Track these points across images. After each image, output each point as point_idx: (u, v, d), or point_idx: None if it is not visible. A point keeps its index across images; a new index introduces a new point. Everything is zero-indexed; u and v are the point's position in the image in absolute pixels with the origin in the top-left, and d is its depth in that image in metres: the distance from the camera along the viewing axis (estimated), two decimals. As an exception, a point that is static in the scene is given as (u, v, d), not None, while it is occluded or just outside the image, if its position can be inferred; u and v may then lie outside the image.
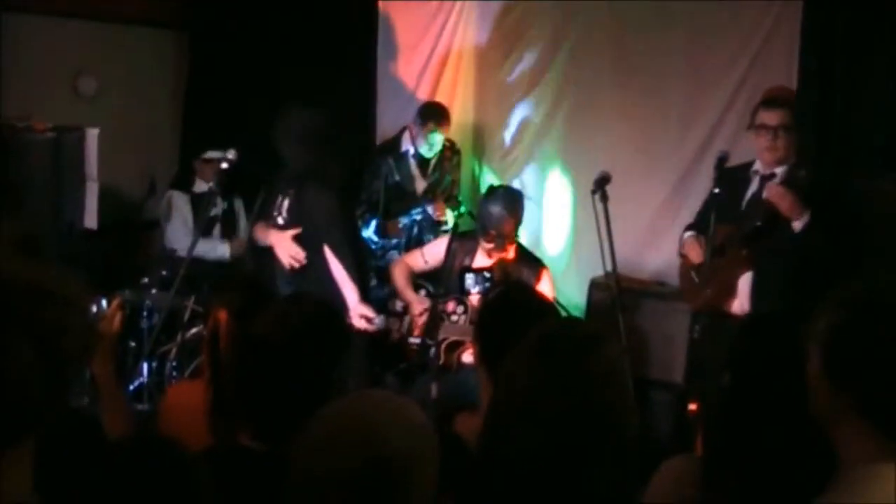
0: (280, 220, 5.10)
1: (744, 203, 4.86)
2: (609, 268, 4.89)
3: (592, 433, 1.99)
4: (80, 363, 2.02)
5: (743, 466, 2.07)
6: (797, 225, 4.55)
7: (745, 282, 4.85)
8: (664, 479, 2.23)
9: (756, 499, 2.03)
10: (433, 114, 6.40)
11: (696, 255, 4.97)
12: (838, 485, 1.83)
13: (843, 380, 1.81)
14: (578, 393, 1.99)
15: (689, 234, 5.08)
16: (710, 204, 4.92)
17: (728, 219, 4.80)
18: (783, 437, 2.03)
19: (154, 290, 6.01)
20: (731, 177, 4.90)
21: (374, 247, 6.33)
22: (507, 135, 6.96)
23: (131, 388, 5.60)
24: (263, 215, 5.24)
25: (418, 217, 6.30)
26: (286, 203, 5.10)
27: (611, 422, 2.02)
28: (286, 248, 5.02)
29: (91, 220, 5.89)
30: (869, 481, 1.78)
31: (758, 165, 4.90)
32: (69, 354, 1.94)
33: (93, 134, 5.90)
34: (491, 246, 5.12)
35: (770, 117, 4.77)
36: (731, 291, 4.84)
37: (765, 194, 4.69)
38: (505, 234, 5.08)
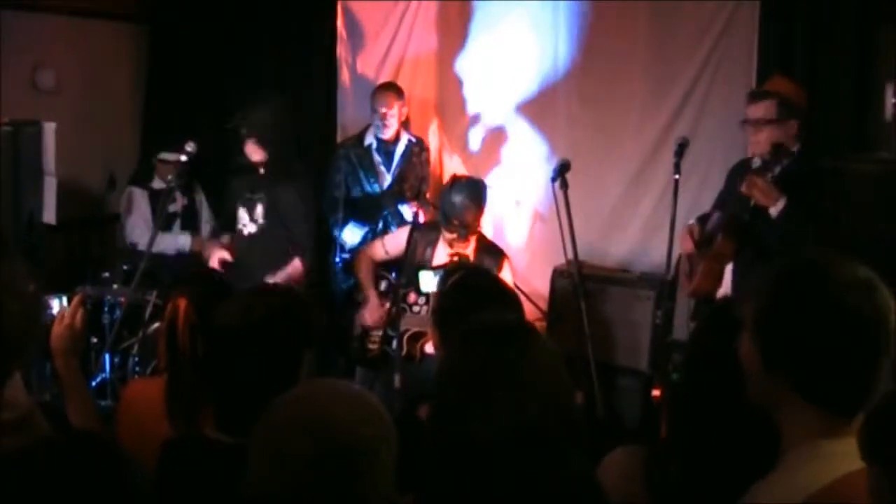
0: (253, 228, 5.23)
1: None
2: (570, 255, 4.90)
3: (540, 416, 1.99)
4: (20, 350, 2.01)
5: (687, 456, 2.09)
6: (773, 212, 4.54)
7: (730, 271, 4.86)
8: (609, 473, 2.23)
9: (699, 488, 2.05)
10: (377, 86, 6.45)
11: (686, 244, 4.98)
12: (782, 464, 1.85)
13: (779, 365, 1.83)
14: (512, 382, 1.99)
15: (691, 222, 5.06)
16: (721, 194, 5.01)
17: (727, 207, 4.83)
18: (730, 424, 2.05)
19: (115, 285, 5.96)
20: (736, 168, 4.94)
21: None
22: (468, 127, 6.95)
23: (94, 383, 5.56)
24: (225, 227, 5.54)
25: (384, 213, 6.24)
26: (259, 209, 5.22)
27: (554, 405, 2.03)
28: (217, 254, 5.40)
29: (50, 215, 5.84)
30: (811, 459, 1.81)
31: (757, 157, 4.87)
32: (7, 340, 1.92)
33: (50, 128, 5.84)
34: (454, 236, 5.11)
35: (751, 111, 4.76)
36: (718, 280, 4.85)
37: (742, 186, 4.68)
38: (468, 224, 5.07)
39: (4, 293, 1.91)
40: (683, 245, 4.99)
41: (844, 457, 1.76)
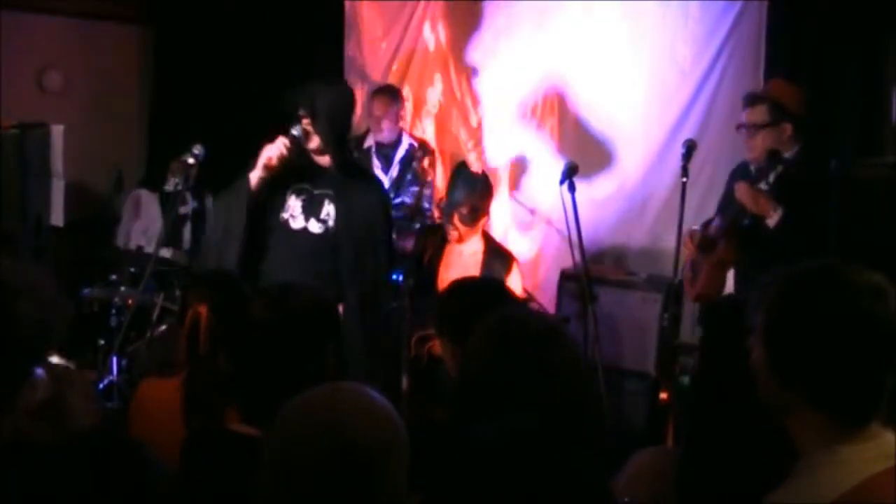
0: (318, 228, 4.41)
1: None
2: (578, 258, 4.91)
3: (562, 419, 2.00)
4: (36, 352, 2.02)
5: (714, 456, 2.08)
6: (770, 223, 4.55)
7: (732, 276, 4.86)
8: (636, 472, 2.23)
9: (725, 488, 2.05)
10: (375, 90, 6.46)
11: (687, 249, 4.98)
12: (800, 470, 1.85)
13: (790, 372, 1.82)
14: (543, 382, 1.99)
15: (694, 227, 5.07)
16: (723, 197, 5.00)
17: (727, 213, 4.82)
18: (748, 425, 2.05)
19: (123, 288, 5.96)
20: (736, 172, 4.94)
21: None
22: (475, 129, 6.95)
23: (101, 385, 5.56)
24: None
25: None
26: (329, 207, 4.41)
27: (577, 407, 2.03)
28: None
29: (58, 218, 5.86)
30: (829, 465, 1.80)
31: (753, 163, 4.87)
32: (23, 341, 1.93)
33: (58, 131, 5.86)
34: (457, 221, 5.11)
35: (746, 116, 4.79)
36: (721, 285, 4.85)
37: (735, 192, 4.69)
38: (458, 211, 5.08)
39: (20, 295, 1.92)
40: (685, 250, 5.00)
41: (863, 461, 1.77)
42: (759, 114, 4.73)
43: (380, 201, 4.58)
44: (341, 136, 4.48)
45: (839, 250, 4.48)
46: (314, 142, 4.39)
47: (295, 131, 4.33)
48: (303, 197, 4.43)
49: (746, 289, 4.68)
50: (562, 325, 2.22)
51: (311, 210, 4.42)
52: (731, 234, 4.76)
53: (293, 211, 4.44)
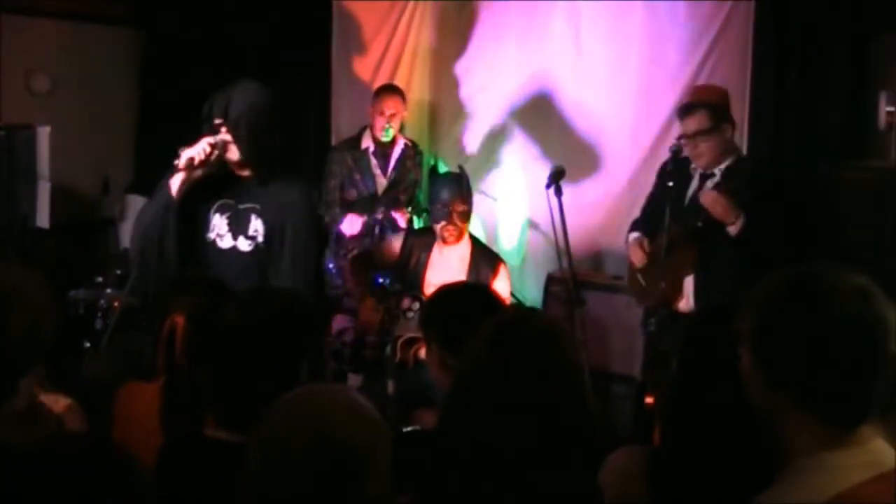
0: (247, 246, 4.11)
1: (686, 199, 4.83)
2: (564, 262, 4.90)
3: (552, 424, 2.00)
4: (28, 358, 2.02)
5: (690, 458, 2.09)
6: (732, 230, 4.54)
7: (690, 281, 4.85)
8: (610, 473, 2.23)
9: (702, 491, 2.05)
10: (383, 88, 6.43)
11: (637, 258, 4.97)
12: (785, 475, 1.84)
13: (777, 377, 1.82)
14: (539, 384, 1.99)
15: (632, 236, 5.06)
16: (653, 200, 4.97)
17: (673, 215, 4.76)
18: (730, 429, 2.05)
19: (108, 290, 5.95)
20: (676, 170, 4.87)
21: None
22: (463, 131, 6.96)
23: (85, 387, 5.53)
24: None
25: (380, 216, 6.19)
26: (257, 223, 4.10)
27: (570, 412, 2.03)
28: None
29: (43, 220, 5.86)
30: (815, 470, 1.80)
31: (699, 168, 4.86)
32: (11, 351, 1.93)
33: (44, 132, 5.86)
34: (443, 224, 5.11)
35: (685, 126, 4.75)
36: (679, 290, 4.85)
37: (700, 199, 4.67)
38: (455, 210, 5.08)
39: (13, 302, 1.91)
40: (634, 259, 4.99)
41: (849, 469, 1.76)
42: (700, 121, 4.68)
43: (303, 203, 4.23)
44: (264, 147, 4.05)
45: (825, 253, 4.48)
46: (233, 153, 4.03)
47: (211, 140, 3.97)
48: (227, 214, 4.12)
49: (707, 295, 4.69)
50: (559, 326, 2.21)
51: (237, 228, 4.12)
52: (689, 238, 4.76)
53: (219, 230, 4.13)
